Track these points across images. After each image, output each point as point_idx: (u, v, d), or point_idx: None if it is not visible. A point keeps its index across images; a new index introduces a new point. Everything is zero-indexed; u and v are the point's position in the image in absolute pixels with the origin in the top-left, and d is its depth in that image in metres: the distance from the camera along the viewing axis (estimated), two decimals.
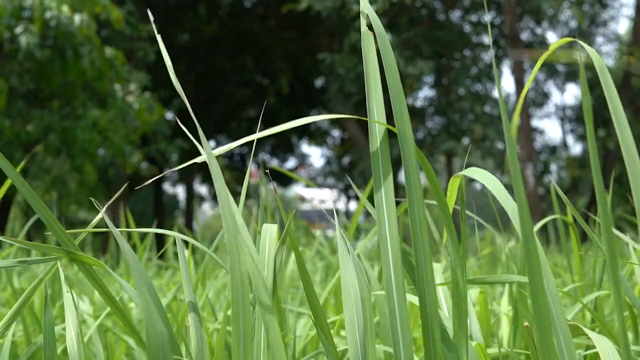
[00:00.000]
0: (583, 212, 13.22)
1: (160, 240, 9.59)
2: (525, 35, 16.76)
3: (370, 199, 1.77)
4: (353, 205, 22.59)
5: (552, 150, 20.63)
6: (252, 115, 20.28)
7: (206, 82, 18.92)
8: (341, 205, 22.63)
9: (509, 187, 0.79)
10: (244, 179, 0.90)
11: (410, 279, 0.78)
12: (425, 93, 20.49)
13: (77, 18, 9.46)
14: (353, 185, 0.90)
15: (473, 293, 1.49)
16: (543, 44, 16.81)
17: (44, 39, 9.57)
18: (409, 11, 15.37)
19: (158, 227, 13.37)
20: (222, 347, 0.84)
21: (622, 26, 62.84)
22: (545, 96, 19.92)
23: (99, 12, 10.06)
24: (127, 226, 3.06)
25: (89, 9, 9.74)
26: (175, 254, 3.34)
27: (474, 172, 0.80)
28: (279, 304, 1.51)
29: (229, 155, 21.24)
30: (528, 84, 0.80)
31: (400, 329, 0.68)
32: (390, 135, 0.76)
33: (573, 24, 18.62)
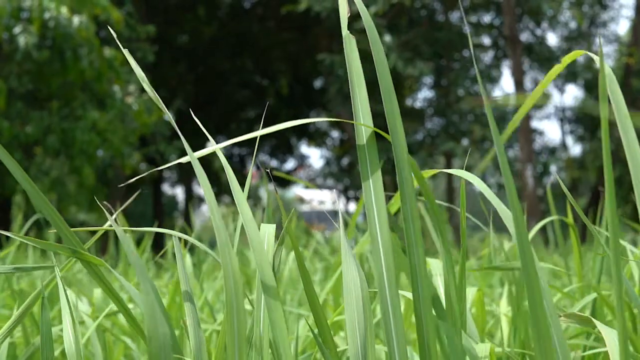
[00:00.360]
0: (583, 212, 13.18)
1: (159, 242, 9.59)
2: (524, 36, 16.77)
3: None
4: (352, 207, 22.59)
5: (552, 151, 20.65)
6: (252, 116, 20.27)
7: (205, 83, 18.92)
8: (340, 206, 22.56)
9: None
10: (242, 180, 0.91)
11: (406, 276, 0.78)
12: (425, 94, 20.49)
13: (76, 19, 9.46)
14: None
15: (470, 293, 1.49)
16: (543, 44, 16.81)
17: (42, 40, 9.57)
18: (408, 12, 15.38)
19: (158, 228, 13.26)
20: (222, 348, 0.83)
21: (622, 27, 62.91)
22: (546, 97, 19.91)
23: (99, 13, 10.06)
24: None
25: (88, 10, 9.74)
26: (175, 255, 3.34)
27: (461, 174, 0.85)
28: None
29: (228, 155, 21.23)
30: (534, 96, 0.80)
31: (394, 328, 0.68)
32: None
33: (573, 24, 18.64)
